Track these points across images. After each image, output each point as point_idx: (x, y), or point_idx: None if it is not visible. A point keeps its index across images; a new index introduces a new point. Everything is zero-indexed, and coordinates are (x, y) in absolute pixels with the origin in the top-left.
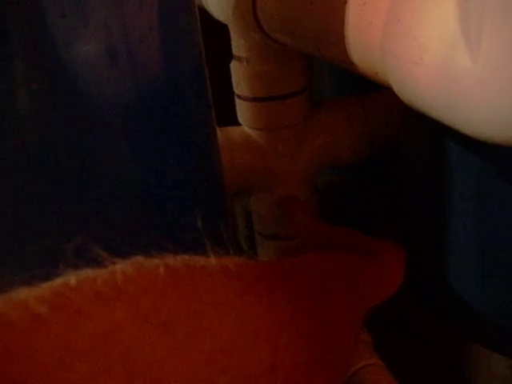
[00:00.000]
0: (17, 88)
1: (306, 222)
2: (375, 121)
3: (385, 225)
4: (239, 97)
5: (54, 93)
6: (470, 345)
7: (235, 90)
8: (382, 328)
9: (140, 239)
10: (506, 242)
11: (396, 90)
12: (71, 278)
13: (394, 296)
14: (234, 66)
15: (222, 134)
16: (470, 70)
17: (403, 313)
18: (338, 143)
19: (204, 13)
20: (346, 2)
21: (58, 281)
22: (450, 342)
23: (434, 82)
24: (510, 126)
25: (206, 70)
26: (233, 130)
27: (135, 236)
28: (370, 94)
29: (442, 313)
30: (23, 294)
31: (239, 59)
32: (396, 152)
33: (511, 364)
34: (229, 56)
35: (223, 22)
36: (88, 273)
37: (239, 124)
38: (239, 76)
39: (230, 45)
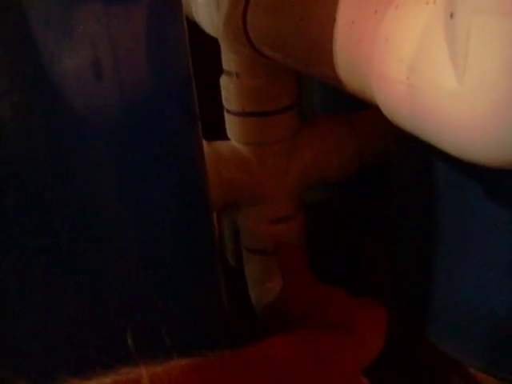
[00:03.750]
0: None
1: (294, 271)
2: (364, 138)
3: (372, 241)
4: (228, 111)
5: (37, 105)
6: (462, 367)
7: (224, 104)
8: None
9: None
10: (495, 259)
11: (382, 108)
12: None
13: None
14: (223, 80)
15: (210, 148)
16: (456, 90)
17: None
18: (326, 159)
19: (195, 26)
20: (334, 20)
21: None
22: (435, 360)
23: (419, 102)
24: (495, 146)
25: (193, 83)
26: (221, 145)
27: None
28: (359, 111)
29: (428, 330)
30: None
31: (229, 74)
32: (385, 169)
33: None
34: (219, 70)
35: (213, 36)
36: None
37: (228, 138)
38: (229, 90)
39: (220, 58)
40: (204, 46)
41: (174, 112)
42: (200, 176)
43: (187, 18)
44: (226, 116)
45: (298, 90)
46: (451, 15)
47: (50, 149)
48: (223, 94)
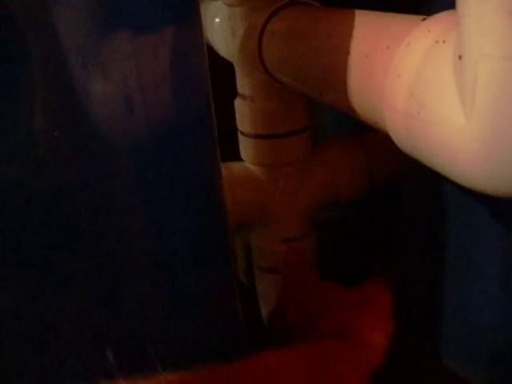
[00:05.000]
0: (40, 136)
1: (298, 268)
2: (375, 159)
3: (383, 261)
4: (242, 133)
5: (74, 140)
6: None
7: (238, 126)
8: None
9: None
10: (503, 281)
11: (394, 140)
12: None
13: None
14: (238, 103)
15: (224, 169)
16: (464, 127)
17: (399, 349)
18: (338, 181)
19: (210, 49)
20: (348, 53)
21: None
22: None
23: (430, 136)
24: (502, 179)
25: (212, 109)
26: (235, 166)
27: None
28: (370, 133)
29: (437, 349)
30: None
31: (243, 97)
32: (395, 189)
33: None
34: (233, 92)
35: (228, 60)
36: None
37: (241, 159)
38: (243, 113)
39: (234, 81)
40: (219, 69)
41: (195, 137)
42: (219, 194)
43: None
44: (240, 138)
45: (310, 111)
46: (459, 57)
47: (85, 179)
48: (237, 116)
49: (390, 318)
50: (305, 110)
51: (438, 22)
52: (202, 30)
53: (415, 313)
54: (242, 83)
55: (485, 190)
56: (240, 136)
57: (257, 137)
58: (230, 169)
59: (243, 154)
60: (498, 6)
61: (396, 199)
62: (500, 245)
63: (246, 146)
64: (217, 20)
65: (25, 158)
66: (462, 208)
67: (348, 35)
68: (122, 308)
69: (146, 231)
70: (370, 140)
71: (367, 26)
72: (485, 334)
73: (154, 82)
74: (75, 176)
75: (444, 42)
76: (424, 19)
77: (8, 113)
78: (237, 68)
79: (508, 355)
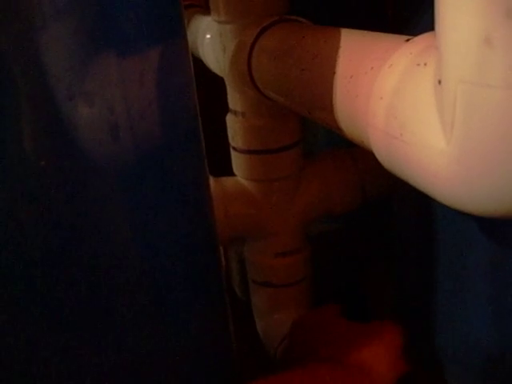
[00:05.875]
0: (27, 167)
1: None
2: (367, 172)
3: (377, 274)
4: (234, 149)
5: (61, 169)
6: None
7: (231, 141)
8: None
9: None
10: (493, 293)
11: (379, 159)
12: None
13: None
14: (229, 119)
15: (216, 184)
16: (444, 150)
17: None
18: (330, 194)
19: (201, 63)
20: (334, 73)
21: None
22: None
23: (411, 158)
24: (481, 200)
25: (200, 127)
26: (227, 181)
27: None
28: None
29: (428, 359)
30: None
31: (235, 113)
32: (387, 201)
33: None
34: (224, 107)
35: (219, 75)
36: None
37: (233, 174)
38: (235, 129)
39: (225, 95)
40: (210, 84)
41: (182, 154)
42: (207, 211)
43: (193, 55)
44: (232, 153)
45: (301, 125)
46: (439, 81)
47: (72, 205)
48: (229, 132)
49: (398, 348)
50: (296, 125)
51: (420, 44)
52: (188, 49)
53: (408, 324)
54: (233, 99)
55: (465, 210)
56: (232, 151)
57: (249, 152)
58: (222, 184)
59: (235, 169)
60: (474, 34)
61: (388, 211)
62: (490, 257)
63: (238, 162)
64: (208, 36)
65: (12, 186)
66: (453, 220)
67: (334, 55)
68: (114, 321)
69: (131, 247)
70: (361, 153)
71: (353, 46)
72: (476, 346)
73: (141, 105)
74: (62, 203)
75: (425, 64)
76: (408, 40)
77: None
78: (228, 84)
79: (500, 367)
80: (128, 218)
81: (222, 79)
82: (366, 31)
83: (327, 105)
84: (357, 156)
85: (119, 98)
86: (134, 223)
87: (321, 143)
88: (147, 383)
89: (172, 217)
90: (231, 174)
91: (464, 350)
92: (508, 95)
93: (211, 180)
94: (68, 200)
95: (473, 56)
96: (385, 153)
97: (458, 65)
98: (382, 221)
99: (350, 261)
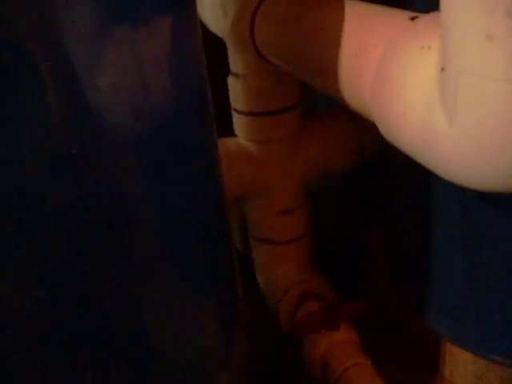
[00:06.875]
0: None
1: None
2: (365, 132)
3: (372, 230)
4: (236, 110)
5: (92, 155)
6: (450, 346)
7: (232, 103)
8: (370, 328)
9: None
10: (490, 249)
11: (383, 134)
12: None
13: (381, 298)
14: (231, 81)
15: (219, 144)
16: (446, 132)
17: (389, 314)
18: (329, 154)
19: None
20: (339, 48)
21: None
22: (431, 342)
23: (415, 136)
24: (480, 178)
25: (208, 89)
26: (229, 141)
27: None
28: None
29: (423, 314)
30: None
31: (236, 75)
32: (385, 161)
33: (486, 363)
34: (225, 68)
35: (220, 36)
36: None
37: (235, 135)
38: (236, 91)
39: (226, 57)
40: (210, 45)
41: (192, 117)
42: (215, 170)
43: None
44: (234, 114)
45: (301, 88)
46: (442, 69)
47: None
48: (231, 94)
49: None
50: (296, 87)
51: (425, 25)
52: (197, 15)
53: (403, 281)
54: (234, 62)
55: (466, 186)
56: (233, 113)
57: (249, 114)
58: (224, 144)
59: (237, 130)
60: (479, 30)
61: (387, 171)
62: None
63: (239, 123)
64: None
65: (43, 170)
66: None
67: (339, 30)
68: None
69: (143, 207)
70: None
71: (358, 21)
72: (466, 302)
73: (154, 72)
74: (91, 187)
75: (429, 48)
76: (413, 18)
77: (25, 128)
78: (228, 46)
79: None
80: (144, 180)
81: (222, 40)
82: (370, 4)
83: (331, 77)
84: (356, 117)
85: (138, 82)
86: (150, 184)
87: (321, 105)
88: None
89: (183, 177)
90: (232, 134)
91: (454, 304)
92: (508, 87)
93: None
94: (96, 182)
95: (476, 50)
96: (388, 129)
97: (461, 56)
98: (381, 181)
99: (349, 218)
